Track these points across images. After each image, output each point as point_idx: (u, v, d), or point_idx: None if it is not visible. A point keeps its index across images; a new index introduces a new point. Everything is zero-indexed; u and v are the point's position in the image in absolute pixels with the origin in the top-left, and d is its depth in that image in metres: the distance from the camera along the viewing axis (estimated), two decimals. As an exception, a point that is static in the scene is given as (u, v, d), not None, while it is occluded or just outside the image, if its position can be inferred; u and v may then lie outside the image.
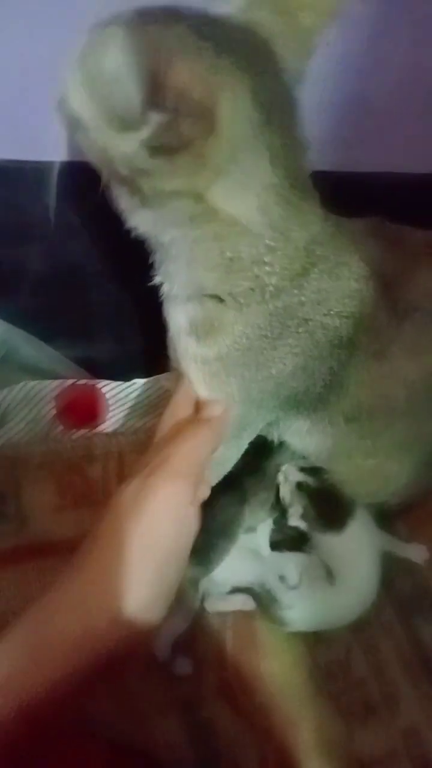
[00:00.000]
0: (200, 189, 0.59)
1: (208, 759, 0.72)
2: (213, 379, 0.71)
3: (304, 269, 0.66)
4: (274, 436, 0.85)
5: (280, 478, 0.89)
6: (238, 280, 0.65)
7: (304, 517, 0.87)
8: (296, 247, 0.65)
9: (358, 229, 0.72)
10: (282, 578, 0.83)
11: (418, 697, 0.80)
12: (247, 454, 0.84)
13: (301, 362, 0.70)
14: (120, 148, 0.56)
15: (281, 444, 0.86)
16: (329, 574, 0.82)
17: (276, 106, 0.59)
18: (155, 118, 0.53)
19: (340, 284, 0.68)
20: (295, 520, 0.87)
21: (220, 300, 0.67)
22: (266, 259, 0.64)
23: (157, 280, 0.70)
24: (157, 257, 0.68)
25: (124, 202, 0.63)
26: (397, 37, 0.79)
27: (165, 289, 0.70)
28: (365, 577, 0.83)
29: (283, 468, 0.89)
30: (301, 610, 0.81)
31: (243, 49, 0.56)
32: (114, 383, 1.02)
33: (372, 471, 0.85)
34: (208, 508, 0.82)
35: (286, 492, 0.88)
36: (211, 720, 0.75)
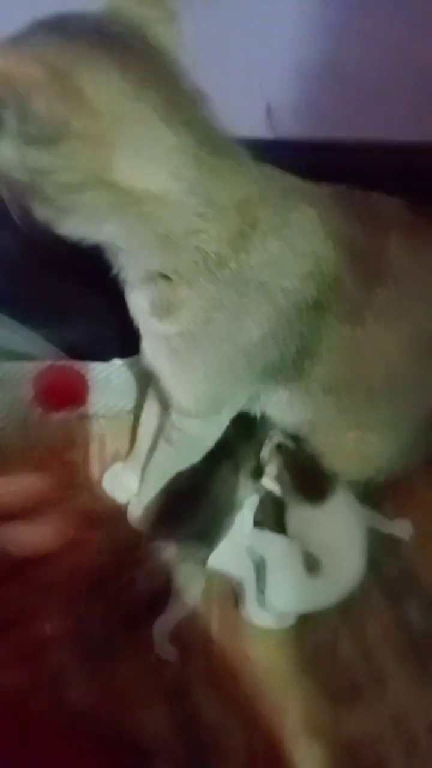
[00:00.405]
0: (101, 172, 0.58)
1: (195, 747, 0.71)
2: (176, 355, 0.71)
3: (242, 232, 0.65)
4: (256, 410, 0.84)
5: (266, 441, 0.88)
6: (178, 256, 0.64)
7: (278, 479, 0.86)
8: (224, 208, 0.63)
9: (326, 194, 0.71)
10: (261, 559, 0.82)
11: (405, 679, 0.79)
12: (239, 425, 0.84)
13: (267, 330, 0.69)
14: (3, 156, 0.57)
15: (264, 417, 0.85)
16: (312, 559, 0.80)
17: (150, 72, 0.59)
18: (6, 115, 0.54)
19: (292, 244, 0.67)
20: (269, 482, 0.86)
21: (169, 278, 0.66)
22: (199, 227, 0.63)
23: (114, 270, 0.70)
24: (106, 251, 0.68)
25: (41, 214, 0.61)
26: (374, 3, 0.78)
27: (122, 277, 0.70)
28: (349, 559, 0.82)
29: (271, 432, 0.88)
30: (282, 593, 0.80)
31: (100, 32, 0.59)
32: (93, 364, 0.99)
33: (354, 444, 0.84)
34: (206, 483, 0.83)
35: (266, 451, 0.87)
36: (197, 707, 0.74)
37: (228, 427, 0.83)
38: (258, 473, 0.88)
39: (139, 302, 0.71)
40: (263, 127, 0.85)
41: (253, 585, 0.81)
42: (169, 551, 0.79)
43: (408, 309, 0.74)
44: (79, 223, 0.63)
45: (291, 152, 0.79)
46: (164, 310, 0.68)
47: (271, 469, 0.87)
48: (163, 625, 0.77)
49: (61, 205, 0.60)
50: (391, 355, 0.76)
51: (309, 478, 0.84)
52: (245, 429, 0.87)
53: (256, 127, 0.84)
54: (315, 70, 0.81)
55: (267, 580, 0.80)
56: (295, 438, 0.87)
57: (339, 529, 0.83)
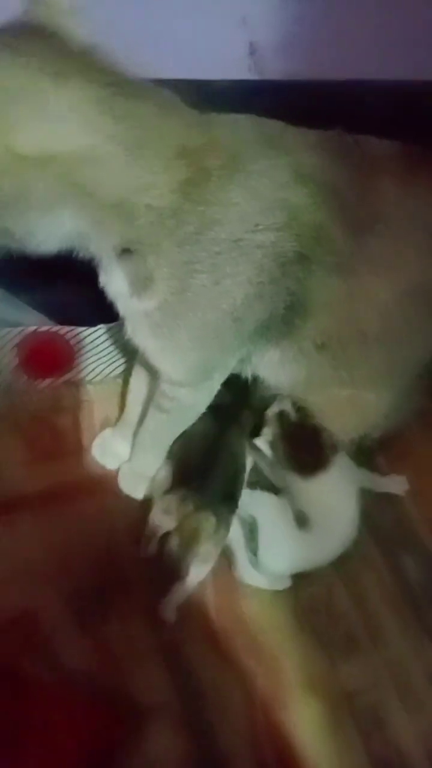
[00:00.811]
0: (12, 144, 0.55)
1: (192, 701, 0.71)
2: (160, 330, 0.69)
3: (193, 182, 0.62)
4: (248, 372, 0.82)
5: (275, 403, 0.87)
6: (135, 221, 0.62)
7: (272, 445, 0.84)
8: (162, 156, 0.60)
9: (312, 140, 0.69)
10: (253, 520, 0.81)
11: (400, 627, 0.80)
12: (240, 390, 0.84)
13: (252, 291, 0.67)
14: None
15: (256, 379, 0.84)
16: (302, 516, 0.80)
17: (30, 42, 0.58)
18: None
19: (260, 195, 0.65)
20: (262, 444, 0.85)
21: (133, 251, 0.64)
22: (141, 182, 0.60)
23: (92, 262, 0.68)
24: (80, 249, 0.66)
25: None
26: None
27: (99, 266, 0.68)
28: (341, 518, 0.81)
29: (280, 396, 0.86)
30: (275, 554, 0.79)
31: None
32: (78, 329, 0.97)
33: (349, 402, 0.83)
34: (219, 446, 0.83)
35: (269, 413, 0.86)
36: (194, 664, 0.74)
37: (229, 393, 0.82)
38: (255, 432, 0.87)
39: (117, 286, 0.69)
40: (246, 67, 0.81)
41: (243, 546, 0.81)
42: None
43: (401, 257, 0.72)
44: (37, 222, 0.61)
45: (277, 94, 0.76)
46: (141, 286, 0.66)
47: (267, 433, 0.85)
48: (175, 597, 0.77)
49: (5, 200, 0.58)
50: (385, 307, 0.74)
51: (303, 453, 0.83)
52: (245, 393, 0.87)
53: (238, 68, 0.81)
54: (301, 4, 0.78)
55: (260, 541, 0.79)
56: (302, 410, 0.85)
57: (330, 491, 0.82)
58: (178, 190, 0.61)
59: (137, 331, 0.71)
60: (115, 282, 0.68)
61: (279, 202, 0.65)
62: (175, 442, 0.84)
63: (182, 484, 0.80)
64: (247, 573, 0.80)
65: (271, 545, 0.79)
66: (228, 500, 0.80)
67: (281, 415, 0.85)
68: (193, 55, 0.79)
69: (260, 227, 0.65)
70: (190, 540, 0.76)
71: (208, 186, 0.62)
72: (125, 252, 0.65)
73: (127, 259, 0.66)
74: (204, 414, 0.83)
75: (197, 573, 0.76)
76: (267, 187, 0.65)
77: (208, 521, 0.77)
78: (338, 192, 0.68)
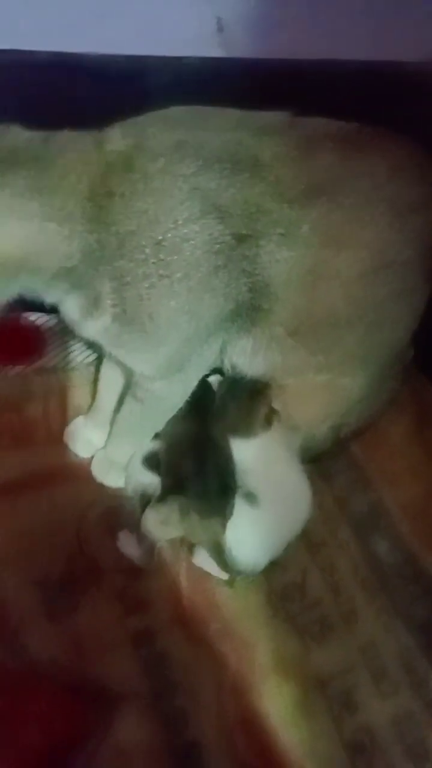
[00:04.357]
0: None
1: (163, 687, 0.70)
2: (120, 339, 0.72)
3: (100, 207, 0.64)
4: (226, 364, 0.82)
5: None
6: (72, 267, 0.66)
7: (218, 409, 0.85)
8: (78, 206, 0.64)
9: (233, 120, 0.70)
10: None
11: (374, 611, 0.79)
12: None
13: (194, 283, 0.68)
14: None
15: (234, 369, 0.83)
16: (250, 495, 0.79)
17: None
18: None
19: (168, 191, 0.66)
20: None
21: (78, 285, 0.68)
22: (69, 238, 0.64)
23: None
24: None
25: None
26: None
27: (51, 302, 0.72)
28: (288, 492, 0.81)
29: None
30: (246, 550, 0.78)
31: None
32: (48, 316, 0.95)
33: (326, 388, 0.83)
34: (204, 443, 0.82)
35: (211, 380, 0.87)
36: (165, 651, 0.73)
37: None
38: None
39: (72, 312, 0.72)
40: (214, 44, 0.80)
41: None
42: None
43: (360, 234, 0.72)
44: None
45: (244, 72, 0.76)
46: (92, 306, 0.69)
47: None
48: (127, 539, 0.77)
49: None
50: (350, 286, 0.74)
51: (243, 412, 0.83)
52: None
53: (205, 45, 0.80)
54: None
55: (229, 544, 0.78)
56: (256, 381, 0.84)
57: (270, 456, 0.82)
58: (95, 221, 0.65)
59: (102, 344, 0.75)
60: (69, 311, 0.72)
61: (190, 193, 0.66)
62: (163, 451, 0.84)
63: (177, 492, 0.79)
64: (201, 559, 0.80)
65: (239, 544, 0.78)
66: (225, 492, 0.79)
67: (224, 377, 0.86)
68: (162, 32, 0.78)
69: (179, 222, 0.66)
70: (217, 552, 0.76)
71: (114, 206, 0.65)
72: (71, 287, 0.69)
73: (74, 292, 0.69)
74: (184, 415, 0.83)
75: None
76: (173, 183, 0.66)
77: (221, 526, 0.76)
78: (266, 166, 0.68)
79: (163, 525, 0.78)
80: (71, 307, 0.71)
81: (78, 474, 0.87)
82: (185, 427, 0.83)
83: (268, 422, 0.82)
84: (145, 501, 0.79)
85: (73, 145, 0.65)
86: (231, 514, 0.77)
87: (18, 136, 0.64)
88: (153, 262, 0.66)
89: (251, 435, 0.82)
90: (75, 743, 0.63)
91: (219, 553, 0.76)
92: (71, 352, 0.98)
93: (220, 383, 0.86)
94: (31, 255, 0.64)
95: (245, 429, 0.82)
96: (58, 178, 0.63)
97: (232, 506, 0.78)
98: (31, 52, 0.75)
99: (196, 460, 0.80)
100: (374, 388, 0.85)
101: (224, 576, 0.78)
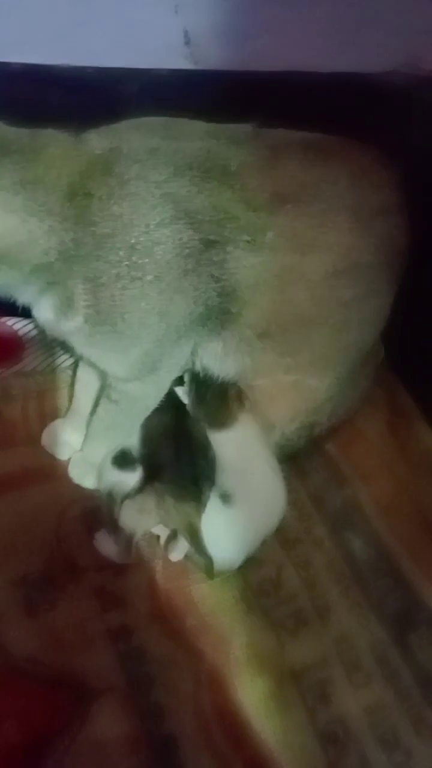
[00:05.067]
0: None
1: (140, 681, 0.71)
2: (92, 339, 0.73)
3: (79, 207, 0.66)
4: (198, 366, 0.84)
5: None
6: (48, 264, 0.67)
7: (190, 406, 0.87)
8: (57, 203, 0.65)
9: (202, 130, 0.72)
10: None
11: (348, 605, 0.81)
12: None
13: (165, 285, 0.70)
14: None
15: (205, 371, 0.84)
16: (224, 494, 0.80)
17: None
18: None
19: (141, 197, 0.67)
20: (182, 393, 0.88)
21: (52, 283, 0.69)
22: (47, 233, 0.65)
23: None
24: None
25: None
26: None
27: (26, 303, 0.73)
28: (262, 487, 0.82)
29: None
30: (223, 548, 0.79)
31: None
32: (27, 320, 0.97)
33: (294, 388, 0.85)
34: (179, 434, 0.84)
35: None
36: (142, 646, 0.74)
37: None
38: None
39: (46, 315, 0.73)
40: (183, 56, 0.82)
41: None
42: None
43: (323, 238, 0.74)
44: None
45: (213, 84, 0.78)
46: (65, 307, 0.71)
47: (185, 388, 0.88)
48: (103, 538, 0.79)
49: None
50: (316, 289, 0.76)
51: (213, 405, 0.85)
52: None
53: (173, 57, 0.82)
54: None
55: (207, 542, 0.79)
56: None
57: (242, 449, 0.83)
58: (71, 221, 0.66)
59: (75, 345, 0.76)
60: (43, 312, 0.73)
61: (162, 198, 0.68)
62: (140, 444, 0.85)
63: (154, 481, 0.81)
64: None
65: (214, 542, 0.79)
66: (202, 480, 0.81)
67: (194, 375, 0.87)
68: (131, 44, 0.80)
69: (151, 226, 0.68)
70: (191, 535, 0.77)
71: (91, 207, 0.67)
72: (47, 285, 0.70)
73: (48, 291, 0.71)
74: (159, 407, 0.84)
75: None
76: (146, 189, 0.68)
77: (195, 510, 0.78)
78: (233, 175, 0.70)
79: (140, 514, 0.79)
80: (45, 308, 0.72)
81: (56, 475, 0.88)
82: (160, 419, 0.85)
83: (240, 403, 0.84)
84: (115, 499, 0.81)
85: (56, 142, 0.67)
86: (207, 499, 0.79)
87: (4, 130, 0.66)
88: (126, 264, 0.68)
89: (224, 426, 0.84)
90: (52, 737, 0.64)
91: (194, 536, 0.77)
92: (49, 356, 0.99)
93: (192, 376, 0.87)
94: (12, 247, 0.66)
95: (218, 420, 0.84)
96: (42, 174, 0.65)
97: (208, 494, 0.79)
98: (4, 64, 0.77)
99: (171, 449, 0.82)
100: (344, 387, 0.87)
101: (202, 563, 0.79)
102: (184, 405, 0.87)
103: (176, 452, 0.82)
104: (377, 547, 0.86)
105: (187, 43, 0.79)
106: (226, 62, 0.80)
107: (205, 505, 0.79)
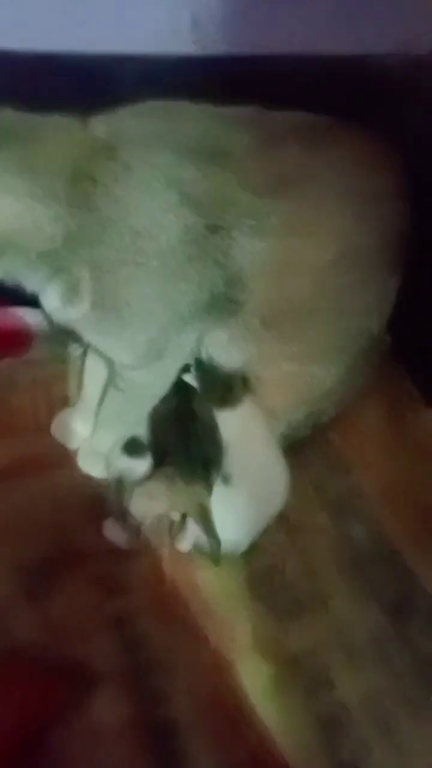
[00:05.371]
0: None
1: (142, 667, 0.72)
2: (99, 326, 0.74)
3: (84, 191, 0.66)
4: (204, 354, 0.84)
5: None
6: (55, 249, 0.67)
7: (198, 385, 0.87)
8: (62, 187, 0.65)
9: (207, 113, 0.72)
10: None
11: (349, 592, 0.81)
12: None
13: (170, 271, 0.70)
14: None
15: (211, 360, 0.84)
16: (225, 474, 0.81)
17: None
18: None
19: (145, 182, 0.67)
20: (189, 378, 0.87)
21: (59, 269, 0.69)
22: (53, 219, 0.65)
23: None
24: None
25: None
26: None
27: (32, 292, 0.73)
28: (265, 470, 0.83)
29: None
30: (231, 531, 0.80)
31: None
32: (35, 310, 0.97)
33: (299, 376, 0.85)
34: (185, 418, 0.84)
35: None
36: (144, 632, 0.75)
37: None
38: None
39: (52, 300, 0.73)
40: (188, 41, 0.82)
41: None
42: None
43: (326, 223, 0.74)
44: None
45: (219, 68, 0.77)
46: (71, 293, 0.71)
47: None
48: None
49: None
50: (319, 274, 0.76)
51: (216, 384, 0.85)
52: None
53: (180, 42, 0.82)
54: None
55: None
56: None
57: (247, 438, 0.84)
58: (76, 206, 0.66)
59: (81, 332, 0.76)
60: (49, 299, 0.73)
61: (167, 183, 0.68)
62: (148, 430, 0.86)
63: (163, 465, 0.81)
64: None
65: (218, 523, 0.79)
66: (208, 460, 0.81)
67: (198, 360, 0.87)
68: (136, 29, 0.80)
69: (156, 211, 0.68)
70: (202, 516, 0.78)
71: (96, 191, 0.66)
72: (53, 272, 0.70)
73: (54, 278, 0.71)
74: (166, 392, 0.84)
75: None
76: (151, 174, 0.67)
77: (205, 491, 0.79)
78: (237, 159, 0.70)
79: (150, 500, 0.80)
80: (51, 295, 0.72)
81: (63, 463, 0.89)
82: (166, 403, 0.85)
83: (246, 387, 0.84)
84: (125, 487, 0.82)
85: (61, 128, 0.67)
86: (214, 481, 0.79)
87: (10, 116, 0.66)
88: (131, 250, 0.68)
89: (228, 406, 0.84)
90: (52, 724, 0.65)
91: (205, 517, 0.77)
92: (57, 345, 1.00)
93: (197, 362, 0.87)
94: (18, 233, 0.66)
95: (222, 401, 0.84)
96: (47, 159, 0.65)
97: (215, 476, 0.80)
98: (5, 51, 0.77)
99: (178, 431, 0.83)
100: (348, 375, 0.87)
101: (207, 550, 0.80)
102: (190, 387, 0.87)
103: (184, 436, 0.83)
104: (379, 534, 0.86)
105: (195, 27, 0.79)
106: (230, 46, 0.79)
107: (212, 487, 0.80)
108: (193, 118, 0.72)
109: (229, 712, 0.71)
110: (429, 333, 0.93)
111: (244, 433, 0.84)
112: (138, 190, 0.67)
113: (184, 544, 0.82)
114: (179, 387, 0.86)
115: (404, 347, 0.96)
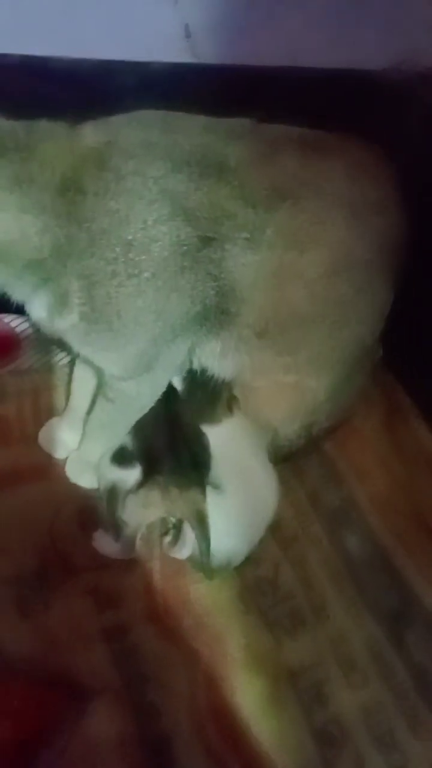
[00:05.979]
0: None
1: (135, 681, 0.71)
2: (88, 337, 0.72)
3: (72, 202, 0.65)
4: (195, 365, 0.83)
5: None
6: (42, 261, 0.66)
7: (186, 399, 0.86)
8: (49, 198, 0.64)
9: (200, 125, 0.71)
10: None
11: (344, 603, 0.81)
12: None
13: (162, 283, 0.69)
14: None
15: (203, 371, 0.84)
16: (215, 482, 0.80)
17: None
18: None
19: (139, 193, 0.67)
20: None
21: (46, 280, 0.68)
22: (41, 230, 0.65)
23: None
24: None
25: None
26: None
27: (21, 301, 0.72)
28: (254, 479, 0.82)
29: None
30: (224, 540, 0.78)
31: None
32: (23, 318, 0.96)
33: (293, 387, 0.84)
34: (172, 422, 0.84)
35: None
36: (137, 645, 0.73)
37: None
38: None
39: (40, 310, 0.72)
40: (183, 50, 0.82)
41: None
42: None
43: (321, 235, 0.74)
44: None
45: (211, 78, 0.77)
46: (60, 305, 0.70)
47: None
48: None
49: None
50: (314, 286, 0.75)
51: (205, 400, 0.85)
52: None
53: (175, 51, 0.82)
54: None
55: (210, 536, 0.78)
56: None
57: (232, 452, 0.83)
58: (65, 217, 0.65)
59: (70, 342, 0.75)
60: (36, 309, 0.72)
61: (160, 194, 0.67)
62: (134, 438, 0.84)
63: (154, 473, 0.80)
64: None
65: (218, 535, 0.78)
66: (198, 464, 0.80)
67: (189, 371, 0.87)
68: (130, 36, 0.80)
69: (148, 223, 0.67)
70: (199, 521, 0.76)
71: (86, 203, 0.66)
72: (40, 282, 0.69)
73: (42, 288, 0.70)
74: None
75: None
76: (144, 185, 0.67)
77: (201, 495, 0.77)
78: (231, 171, 0.69)
79: (144, 509, 0.79)
80: (39, 305, 0.71)
81: (51, 473, 0.87)
82: (154, 411, 0.84)
83: (229, 409, 0.84)
84: (117, 497, 0.80)
85: (50, 136, 0.66)
86: (207, 483, 0.78)
87: (1, 125, 0.65)
88: (122, 261, 0.67)
89: (215, 421, 0.83)
90: (46, 737, 0.64)
91: (202, 522, 0.76)
92: (45, 354, 0.98)
93: (187, 372, 0.87)
94: (3, 243, 0.65)
95: (209, 415, 0.83)
96: (36, 171, 0.64)
97: (207, 478, 0.79)
98: (1, 55, 0.76)
99: (166, 437, 0.82)
100: (342, 386, 0.86)
101: (200, 562, 0.79)
102: (174, 390, 0.86)
103: (171, 439, 0.82)
104: (373, 544, 0.86)
105: (188, 36, 0.79)
106: (225, 56, 0.79)
107: (205, 490, 0.78)
108: (187, 129, 0.71)
109: (224, 728, 0.70)
110: (422, 344, 0.93)
111: (232, 443, 0.83)
112: (130, 201, 0.67)
113: (183, 552, 0.80)
114: (165, 393, 0.85)
115: (398, 358, 0.96)
